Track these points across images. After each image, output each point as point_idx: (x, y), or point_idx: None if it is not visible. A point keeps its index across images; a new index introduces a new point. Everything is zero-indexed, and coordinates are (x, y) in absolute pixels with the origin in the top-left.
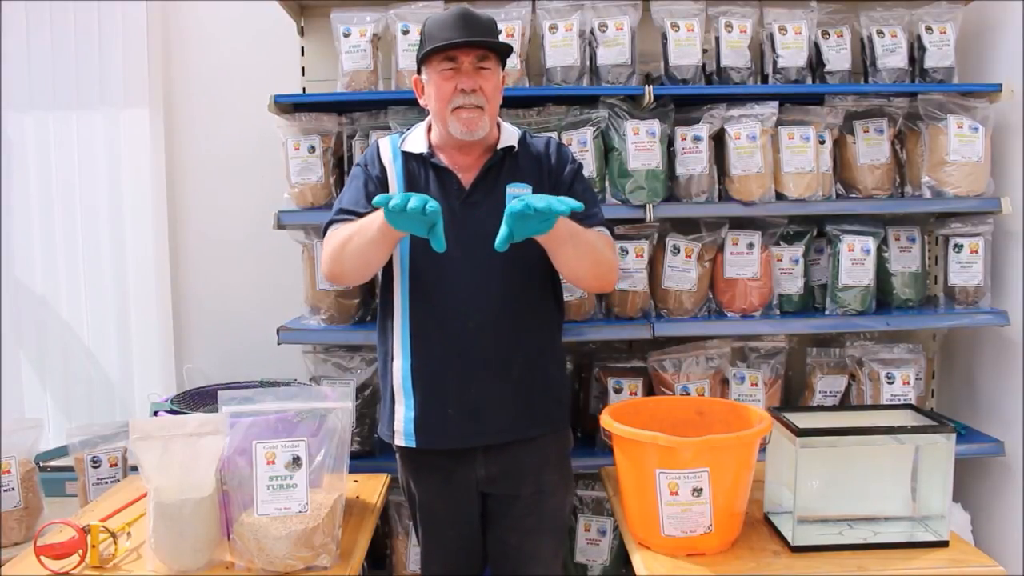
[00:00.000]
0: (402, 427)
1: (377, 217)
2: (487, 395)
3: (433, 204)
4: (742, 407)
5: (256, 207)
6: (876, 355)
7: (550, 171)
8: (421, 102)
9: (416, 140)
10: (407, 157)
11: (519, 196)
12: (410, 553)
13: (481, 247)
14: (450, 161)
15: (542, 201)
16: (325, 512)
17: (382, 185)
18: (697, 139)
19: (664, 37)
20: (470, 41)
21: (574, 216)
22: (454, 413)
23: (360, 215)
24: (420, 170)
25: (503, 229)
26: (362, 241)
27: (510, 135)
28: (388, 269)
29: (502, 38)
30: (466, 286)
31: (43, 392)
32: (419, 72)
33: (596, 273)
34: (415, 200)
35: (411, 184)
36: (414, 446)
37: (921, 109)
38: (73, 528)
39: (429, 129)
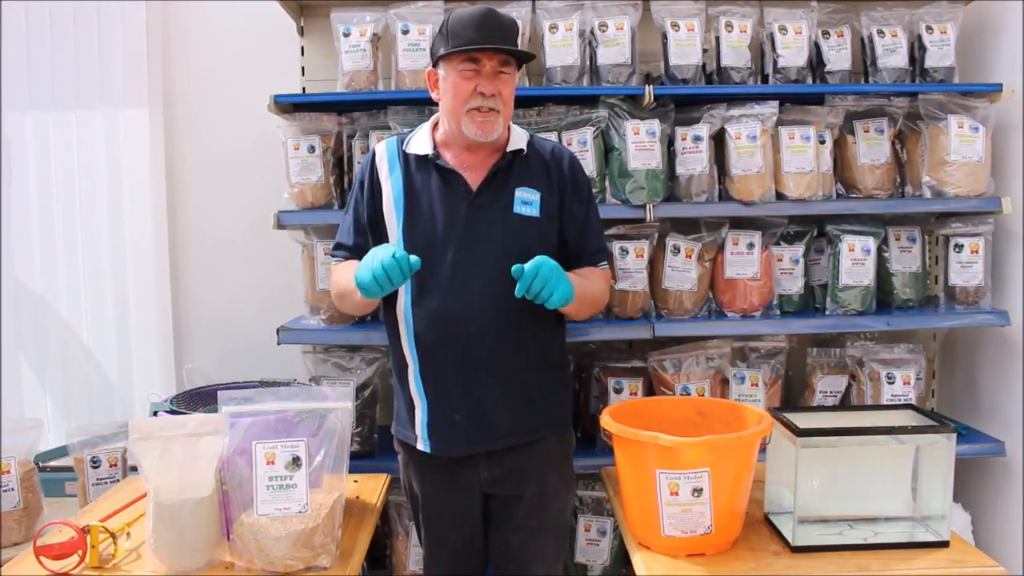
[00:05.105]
0: (420, 432)
1: None
2: (491, 399)
3: (388, 260)
4: (742, 407)
5: (256, 207)
6: (876, 355)
7: (560, 180)
8: (434, 95)
9: (420, 141)
10: (409, 160)
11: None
12: (410, 553)
13: (484, 250)
14: (456, 160)
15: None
16: (325, 512)
17: (376, 208)
18: (697, 139)
19: (664, 37)
20: (498, 48)
21: (583, 251)
22: (461, 418)
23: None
24: (423, 173)
25: (527, 267)
26: (355, 299)
27: (519, 138)
28: None
29: None
30: (468, 290)
31: (43, 392)
32: (434, 65)
33: (589, 313)
34: (378, 270)
35: (411, 193)
36: (428, 451)
37: (921, 109)
38: (73, 528)
39: (434, 127)
